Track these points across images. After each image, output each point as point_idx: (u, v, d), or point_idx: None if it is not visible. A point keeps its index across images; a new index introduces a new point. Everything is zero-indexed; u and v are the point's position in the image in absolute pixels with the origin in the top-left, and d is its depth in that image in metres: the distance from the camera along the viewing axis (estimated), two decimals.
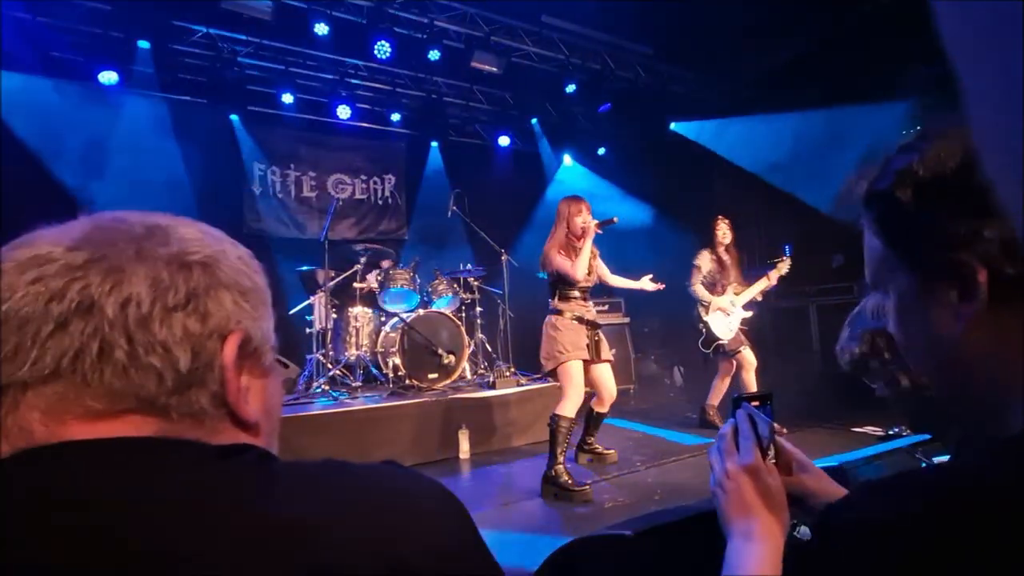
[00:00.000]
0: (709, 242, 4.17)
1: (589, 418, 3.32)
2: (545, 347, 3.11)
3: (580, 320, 3.12)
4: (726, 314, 4.05)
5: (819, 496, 0.68)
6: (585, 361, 3.09)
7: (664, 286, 3.34)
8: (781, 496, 0.63)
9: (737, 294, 4.08)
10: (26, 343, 0.35)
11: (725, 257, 4.13)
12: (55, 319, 0.36)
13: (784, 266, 4.08)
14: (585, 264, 3.09)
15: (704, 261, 4.14)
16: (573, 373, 3.02)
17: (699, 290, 4.11)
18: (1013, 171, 0.22)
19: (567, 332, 3.07)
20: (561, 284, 3.16)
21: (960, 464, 0.35)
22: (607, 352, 3.23)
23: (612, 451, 3.47)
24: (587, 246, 3.08)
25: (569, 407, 2.98)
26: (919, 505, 0.34)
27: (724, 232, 4.14)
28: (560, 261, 3.10)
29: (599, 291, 6.37)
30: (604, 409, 3.30)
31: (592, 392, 3.26)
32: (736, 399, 0.70)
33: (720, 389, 4.20)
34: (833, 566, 0.35)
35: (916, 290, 0.42)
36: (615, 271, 3.41)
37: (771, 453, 0.67)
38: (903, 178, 0.41)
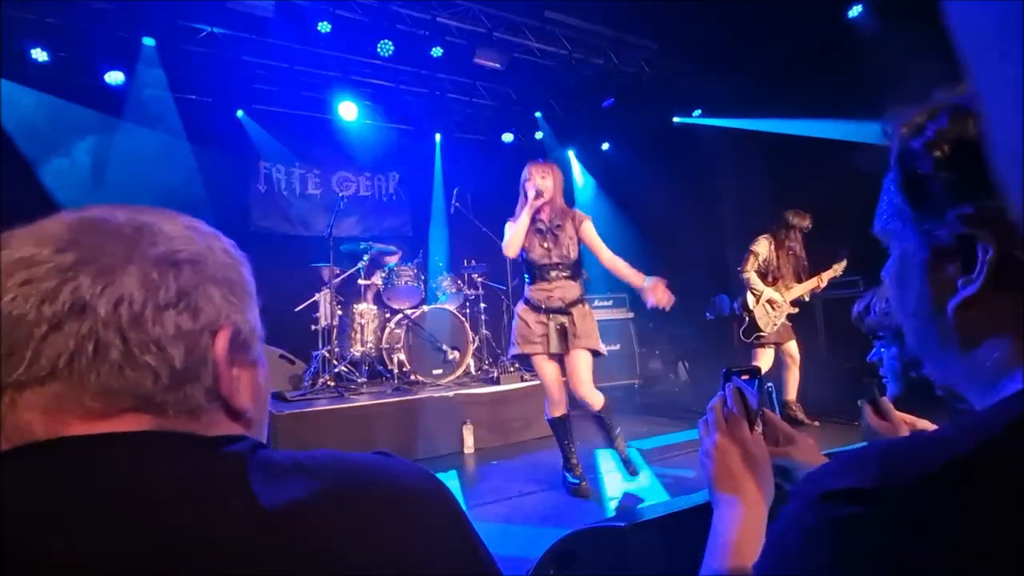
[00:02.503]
0: (778, 231, 3.92)
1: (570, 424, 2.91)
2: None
3: (536, 308, 2.76)
4: (773, 307, 3.90)
5: (806, 468, 0.69)
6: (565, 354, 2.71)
7: (669, 305, 2.62)
8: (767, 466, 0.65)
9: (788, 288, 3.94)
10: (20, 345, 0.36)
11: (789, 250, 3.92)
12: (48, 320, 0.36)
13: (840, 267, 3.94)
14: (515, 238, 2.69)
15: (763, 248, 3.91)
16: (537, 369, 2.76)
17: (753, 278, 3.90)
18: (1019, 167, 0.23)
19: (519, 323, 2.78)
20: (524, 265, 2.84)
21: (924, 437, 0.36)
22: (585, 338, 2.71)
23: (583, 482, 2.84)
24: (523, 217, 2.69)
25: (548, 406, 2.78)
26: (878, 474, 0.34)
27: (803, 225, 3.91)
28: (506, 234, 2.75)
29: (603, 287, 6.40)
30: (592, 407, 2.77)
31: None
32: (725, 372, 0.72)
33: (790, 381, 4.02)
34: (801, 530, 0.36)
35: (921, 253, 0.42)
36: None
37: (759, 426, 0.69)
38: (941, 138, 0.39)
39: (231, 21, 4.60)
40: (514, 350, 2.80)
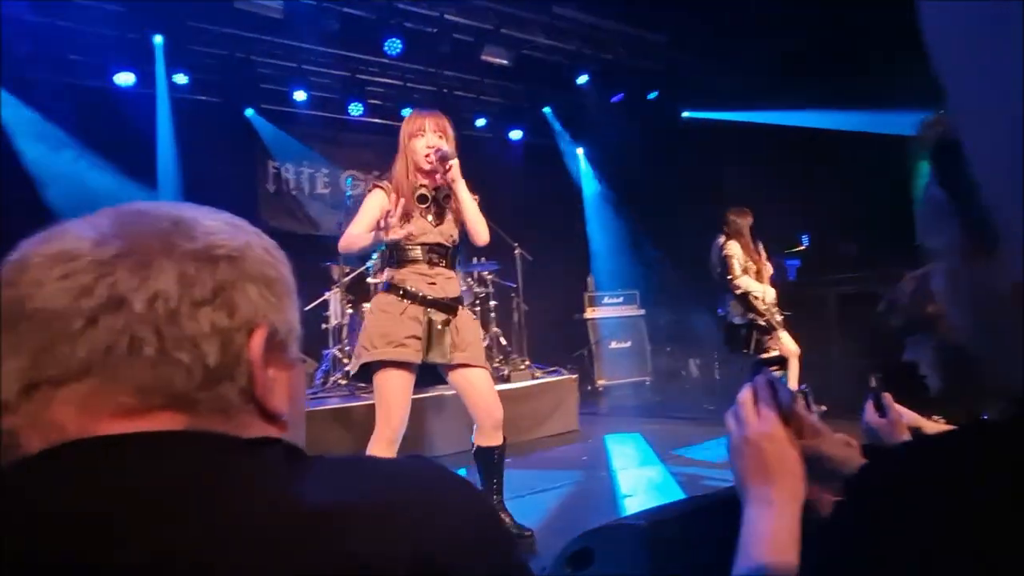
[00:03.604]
0: (732, 232, 3.91)
1: (478, 463, 2.19)
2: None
3: (412, 298, 2.03)
4: (773, 305, 3.83)
5: (833, 460, 0.67)
6: (446, 367, 2.07)
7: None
8: (800, 462, 0.62)
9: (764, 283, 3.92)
10: (57, 339, 0.36)
11: (748, 247, 3.92)
12: (85, 315, 0.36)
13: (763, 252, 3.95)
14: (382, 220, 1.99)
15: (737, 250, 3.86)
16: (382, 386, 1.99)
17: (749, 282, 3.81)
18: (996, 172, 0.22)
19: (380, 316, 2.03)
20: (388, 246, 2.11)
21: (985, 424, 0.35)
22: (473, 350, 2.10)
23: (528, 532, 2.23)
24: (470, 202, 2.12)
25: (375, 440, 1.99)
26: (947, 461, 0.34)
27: (749, 223, 3.93)
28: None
29: (612, 283, 6.37)
30: (488, 440, 2.13)
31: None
32: (756, 363, 0.69)
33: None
34: (865, 523, 0.35)
35: (970, 244, 0.41)
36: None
37: (790, 419, 0.66)
38: None
39: (240, 21, 4.63)
40: (365, 356, 1.99)
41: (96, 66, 4.80)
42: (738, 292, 3.83)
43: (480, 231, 2.13)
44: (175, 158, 5.08)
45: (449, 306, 2.08)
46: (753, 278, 3.88)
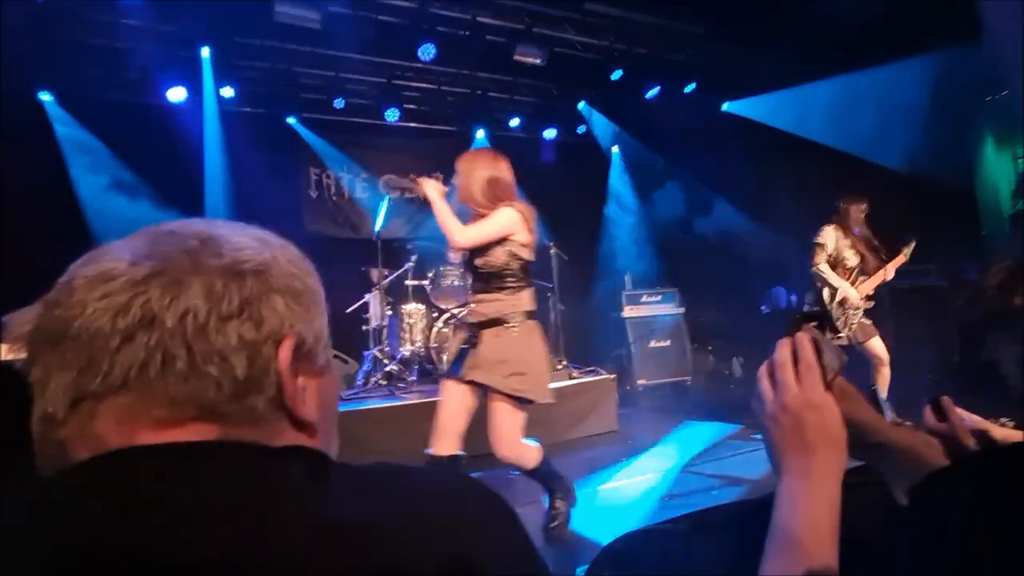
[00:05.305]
0: (839, 220, 3.58)
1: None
2: None
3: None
4: (845, 305, 3.54)
5: (863, 427, 0.61)
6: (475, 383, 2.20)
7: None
8: (843, 433, 0.57)
9: (861, 281, 3.59)
10: (98, 356, 0.38)
11: (857, 238, 3.57)
12: (121, 333, 0.38)
13: (908, 251, 3.55)
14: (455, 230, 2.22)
15: (830, 239, 3.55)
16: (441, 395, 2.30)
17: (826, 270, 3.54)
18: None
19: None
20: None
21: None
22: (485, 369, 2.15)
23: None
24: (439, 211, 2.24)
25: (432, 438, 2.20)
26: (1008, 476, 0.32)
27: (859, 209, 3.57)
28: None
29: (651, 281, 6.26)
30: (497, 454, 2.26)
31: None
32: (795, 319, 0.62)
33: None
34: (931, 530, 0.33)
35: None
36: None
37: (832, 385, 0.59)
38: None
39: (280, 34, 4.79)
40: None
41: (150, 84, 5.06)
42: (821, 279, 3.58)
43: (448, 235, 2.24)
44: (223, 169, 5.31)
45: (471, 327, 2.27)
46: (845, 271, 3.57)
